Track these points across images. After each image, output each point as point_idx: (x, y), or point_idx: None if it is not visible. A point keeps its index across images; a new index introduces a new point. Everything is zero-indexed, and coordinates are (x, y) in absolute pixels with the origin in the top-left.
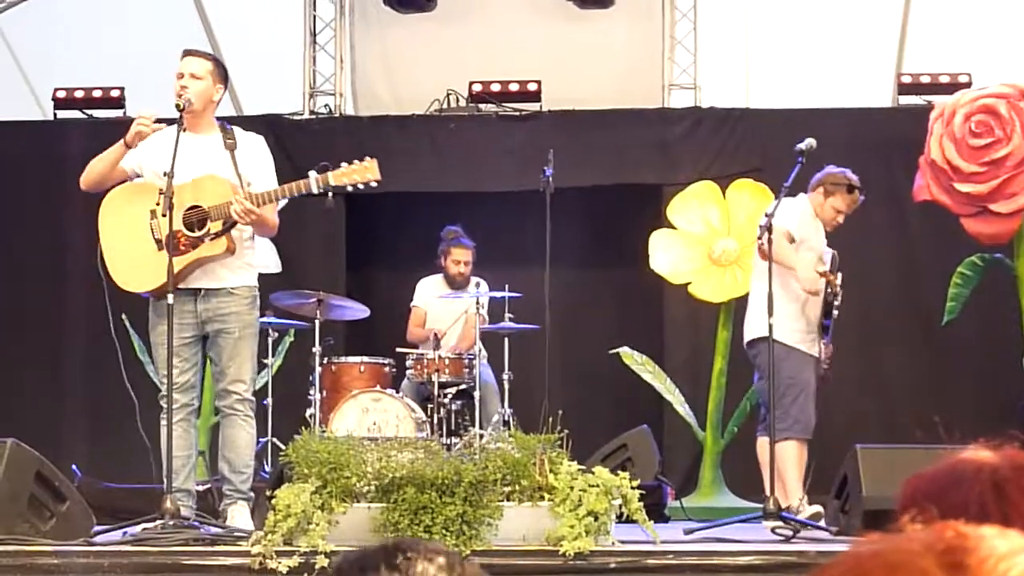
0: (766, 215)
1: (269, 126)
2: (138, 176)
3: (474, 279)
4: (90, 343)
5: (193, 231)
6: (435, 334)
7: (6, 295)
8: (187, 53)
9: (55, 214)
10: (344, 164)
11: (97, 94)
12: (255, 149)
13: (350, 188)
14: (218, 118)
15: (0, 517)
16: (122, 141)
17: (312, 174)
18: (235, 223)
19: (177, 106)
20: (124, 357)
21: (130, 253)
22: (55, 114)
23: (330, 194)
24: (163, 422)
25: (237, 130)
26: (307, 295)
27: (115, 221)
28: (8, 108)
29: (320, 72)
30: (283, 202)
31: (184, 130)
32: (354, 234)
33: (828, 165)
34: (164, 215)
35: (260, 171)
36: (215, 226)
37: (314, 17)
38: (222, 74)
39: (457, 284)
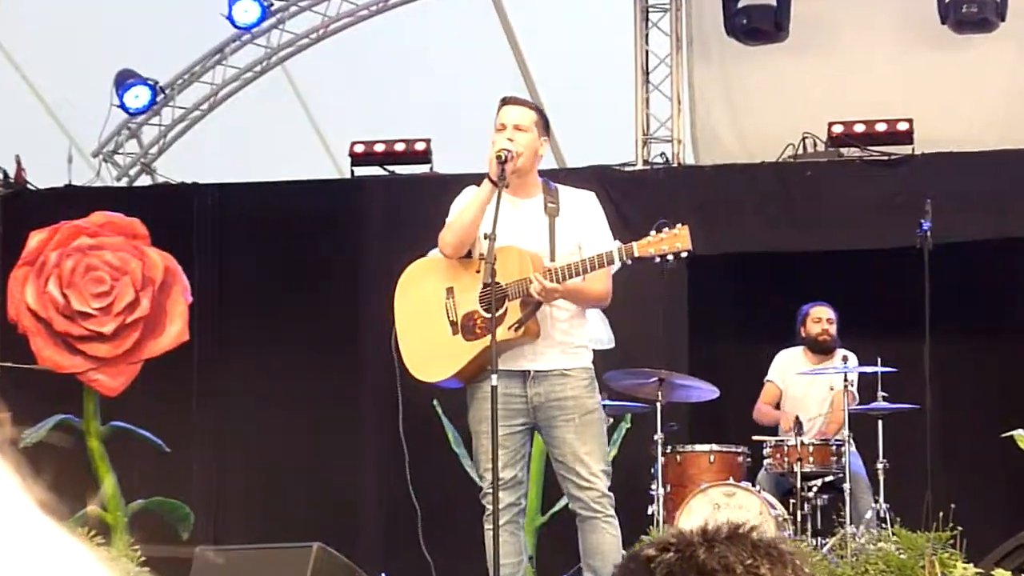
0: None
1: (597, 178)
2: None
3: (840, 352)
4: (390, 431)
5: (497, 309)
6: (796, 417)
7: (304, 368)
8: (507, 101)
9: (352, 281)
10: (652, 233)
11: (400, 147)
12: (584, 209)
13: (657, 259)
14: (541, 173)
15: None
16: (486, 181)
17: (615, 244)
18: (538, 304)
19: (498, 157)
20: (428, 446)
21: (423, 337)
22: (352, 171)
23: (669, 256)
24: (487, 525)
25: (563, 189)
26: (646, 374)
27: (409, 301)
28: (300, 165)
29: (654, 116)
30: (616, 266)
31: (506, 186)
32: (698, 302)
33: None
34: (487, 283)
35: (592, 233)
36: (513, 306)
37: (647, 53)
38: (545, 125)
39: (821, 348)
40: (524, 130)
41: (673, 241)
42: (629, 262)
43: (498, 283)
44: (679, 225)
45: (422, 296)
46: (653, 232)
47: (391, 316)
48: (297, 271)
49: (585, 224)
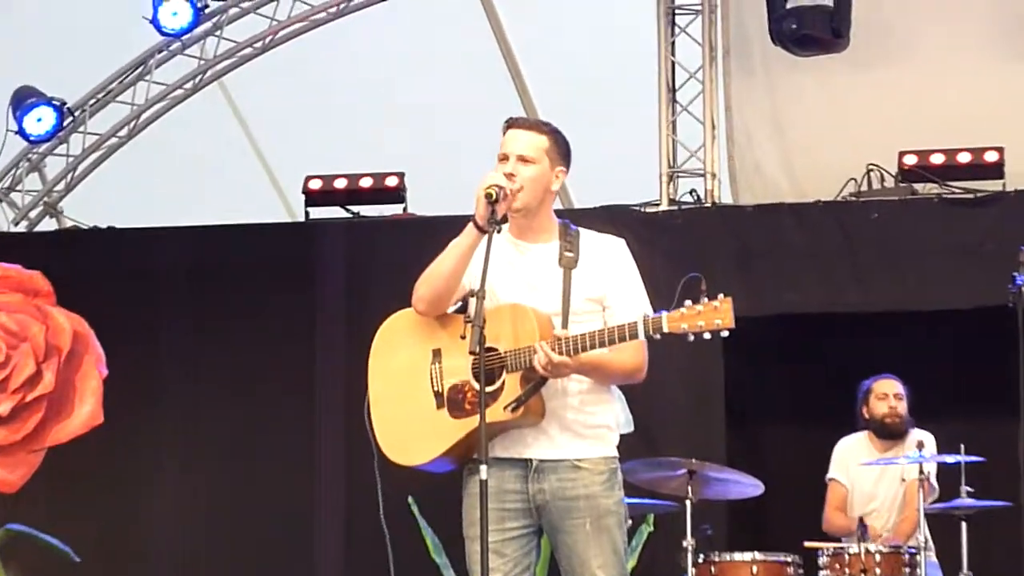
0: None
1: (611, 221)
2: (472, 292)
3: (914, 435)
4: (353, 521)
5: (491, 382)
6: (860, 519)
7: (247, 457)
8: (512, 124)
9: (306, 351)
10: (687, 303)
11: (366, 183)
12: (611, 259)
13: (691, 336)
14: (558, 214)
15: None
16: (471, 224)
17: (643, 315)
18: (542, 380)
19: (488, 195)
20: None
21: (399, 410)
22: (307, 212)
23: (706, 334)
24: None
25: (585, 234)
26: (673, 464)
27: (386, 363)
28: (243, 205)
29: (682, 143)
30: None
31: (498, 231)
32: (737, 375)
33: None
34: (473, 352)
35: (620, 291)
36: (512, 380)
37: (673, 65)
38: (563, 152)
39: (889, 432)
40: (531, 161)
41: (712, 316)
42: (657, 336)
43: (495, 349)
44: (720, 297)
45: (402, 358)
46: (688, 302)
47: (364, 382)
48: (238, 337)
49: (611, 279)
